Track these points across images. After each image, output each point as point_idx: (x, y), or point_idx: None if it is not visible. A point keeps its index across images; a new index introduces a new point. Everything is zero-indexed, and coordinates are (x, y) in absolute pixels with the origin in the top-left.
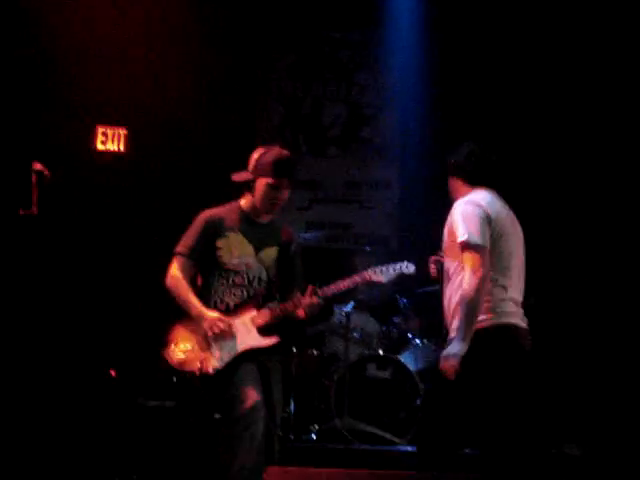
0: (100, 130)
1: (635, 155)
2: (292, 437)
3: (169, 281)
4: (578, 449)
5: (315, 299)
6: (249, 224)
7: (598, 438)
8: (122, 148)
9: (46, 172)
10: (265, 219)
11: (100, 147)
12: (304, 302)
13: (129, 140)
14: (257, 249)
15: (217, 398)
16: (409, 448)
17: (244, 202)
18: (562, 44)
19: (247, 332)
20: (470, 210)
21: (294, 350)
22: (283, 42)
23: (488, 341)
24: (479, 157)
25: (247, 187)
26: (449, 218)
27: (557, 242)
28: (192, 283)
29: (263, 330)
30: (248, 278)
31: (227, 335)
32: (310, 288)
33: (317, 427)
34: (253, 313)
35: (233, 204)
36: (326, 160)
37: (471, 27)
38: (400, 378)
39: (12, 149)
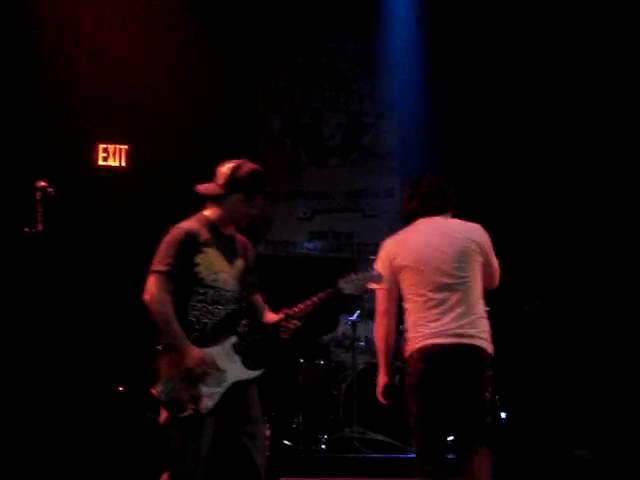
0: (101, 147)
1: None
2: (302, 448)
3: (153, 303)
4: (590, 452)
5: (296, 322)
6: (218, 237)
7: (610, 441)
8: (123, 164)
9: (50, 189)
10: (229, 231)
11: (101, 163)
12: (288, 325)
13: (130, 156)
14: (230, 263)
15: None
16: None
17: (210, 213)
18: (560, 55)
19: (232, 362)
20: None
21: (301, 361)
22: (281, 53)
23: None
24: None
25: (213, 199)
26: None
27: (563, 246)
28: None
29: (246, 356)
30: (225, 294)
31: (212, 371)
32: (284, 313)
33: (327, 437)
34: (233, 339)
35: (200, 217)
36: (327, 170)
37: (468, 33)
38: None
39: (15, 167)
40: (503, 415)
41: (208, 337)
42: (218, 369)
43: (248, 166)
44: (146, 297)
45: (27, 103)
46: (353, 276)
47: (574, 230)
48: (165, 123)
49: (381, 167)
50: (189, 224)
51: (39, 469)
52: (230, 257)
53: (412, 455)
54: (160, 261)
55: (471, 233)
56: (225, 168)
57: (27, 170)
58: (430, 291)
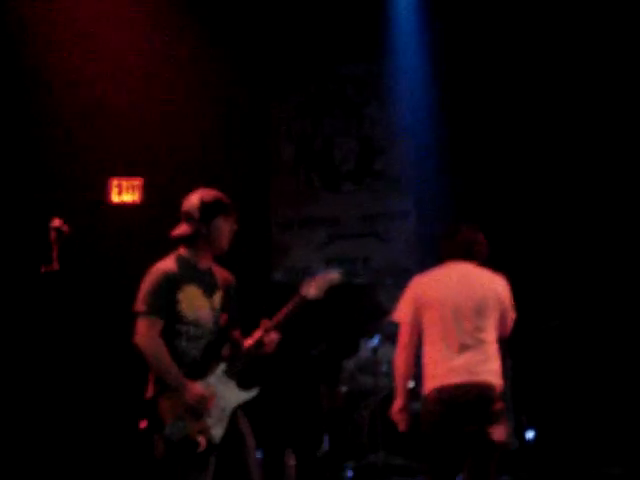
0: (114, 182)
1: None
2: (328, 475)
3: (146, 346)
4: (619, 469)
5: (276, 333)
6: (196, 273)
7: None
8: (137, 199)
9: (64, 228)
10: (205, 265)
11: (115, 199)
12: (269, 339)
13: (144, 190)
14: (208, 298)
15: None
16: None
17: (184, 252)
18: (572, 75)
19: (228, 388)
20: None
21: (324, 388)
22: (289, 82)
23: None
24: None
25: (189, 238)
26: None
27: (581, 264)
28: None
29: (239, 379)
30: (206, 327)
31: (214, 402)
32: (265, 324)
33: (353, 464)
34: (222, 366)
35: (176, 256)
36: (341, 195)
37: (477, 55)
38: None
39: (29, 207)
40: (531, 435)
41: (199, 369)
42: (218, 397)
43: (206, 191)
44: (137, 339)
45: (37, 144)
46: (312, 281)
47: (593, 249)
48: (177, 155)
49: (395, 190)
50: (167, 263)
51: None
52: (209, 292)
53: None
54: (144, 302)
55: (494, 284)
56: (190, 204)
57: (41, 208)
58: (449, 333)
